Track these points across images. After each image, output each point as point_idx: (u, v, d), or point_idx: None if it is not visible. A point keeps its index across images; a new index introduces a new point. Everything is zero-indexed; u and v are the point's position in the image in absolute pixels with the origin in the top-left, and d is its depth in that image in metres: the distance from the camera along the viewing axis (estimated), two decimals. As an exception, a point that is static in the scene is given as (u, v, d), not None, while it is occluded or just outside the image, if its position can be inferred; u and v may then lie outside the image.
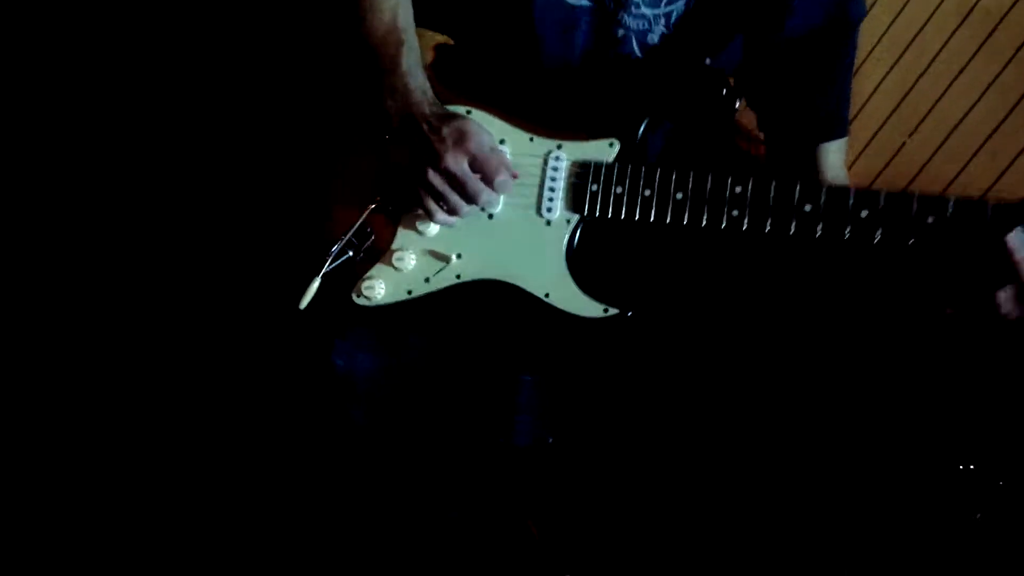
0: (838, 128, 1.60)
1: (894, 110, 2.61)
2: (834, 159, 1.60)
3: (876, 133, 2.63)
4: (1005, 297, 1.23)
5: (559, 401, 1.76)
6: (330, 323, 1.65)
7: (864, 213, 1.33)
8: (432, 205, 1.47)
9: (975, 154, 2.48)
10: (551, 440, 1.78)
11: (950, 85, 2.53)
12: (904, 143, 2.58)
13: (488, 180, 1.45)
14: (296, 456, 2.02)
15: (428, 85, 1.50)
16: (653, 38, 1.50)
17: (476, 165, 1.44)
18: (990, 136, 2.45)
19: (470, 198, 1.45)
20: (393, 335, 1.68)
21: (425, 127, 1.45)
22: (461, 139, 1.43)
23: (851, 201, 1.33)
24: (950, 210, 1.29)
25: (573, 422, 1.79)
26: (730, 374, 1.84)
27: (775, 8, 1.49)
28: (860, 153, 2.66)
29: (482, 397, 1.72)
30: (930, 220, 1.30)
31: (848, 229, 1.34)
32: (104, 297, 2.24)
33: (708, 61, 1.51)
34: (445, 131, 1.43)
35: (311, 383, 1.78)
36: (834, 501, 1.87)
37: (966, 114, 2.52)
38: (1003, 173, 2.41)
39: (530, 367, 1.71)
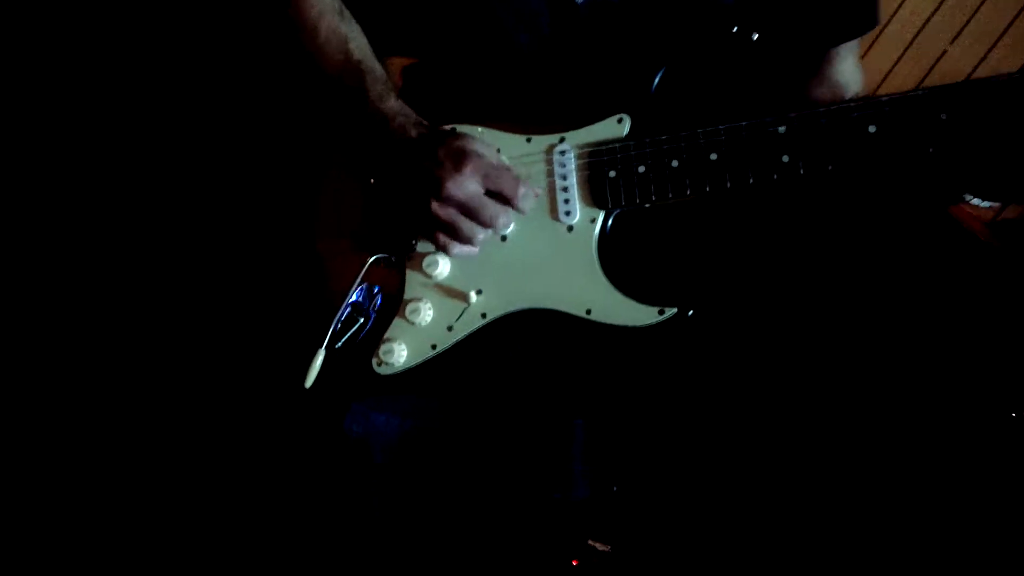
0: (867, 17, 1.34)
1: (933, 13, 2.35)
2: (851, 60, 1.37)
3: (913, 39, 2.37)
4: None
5: (619, 443, 1.49)
6: (347, 392, 1.43)
7: (944, 116, 1.07)
8: (444, 240, 1.27)
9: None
10: (616, 488, 1.50)
11: (960, 32, 2.28)
12: (945, 51, 2.31)
13: (507, 199, 1.24)
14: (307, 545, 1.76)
15: (406, 107, 1.32)
16: None
17: (489, 184, 1.24)
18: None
19: (487, 223, 1.25)
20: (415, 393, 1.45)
21: (416, 154, 1.26)
22: (462, 159, 1.23)
23: (922, 106, 1.08)
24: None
25: (638, 465, 1.51)
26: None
27: None
28: (896, 62, 2.39)
29: (528, 451, 1.46)
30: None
31: (931, 143, 1.08)
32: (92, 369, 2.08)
33: None
34: (441, 153, 1.24)
35: (322, 456, 1.53)
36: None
37: (1013, 20, 2.25)
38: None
39: (581, 408, 1.45)
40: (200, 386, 1.98)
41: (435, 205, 1.23)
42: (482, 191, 1.24)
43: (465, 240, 1.25)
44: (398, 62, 1.40)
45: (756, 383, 1.44)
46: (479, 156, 1.24)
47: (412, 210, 1.27)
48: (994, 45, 2.29)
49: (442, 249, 1.28)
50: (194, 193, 2.02)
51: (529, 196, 1.25)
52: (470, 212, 1.23)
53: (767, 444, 1.51)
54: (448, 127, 1.32)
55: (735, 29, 1.22)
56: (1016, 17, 2.27)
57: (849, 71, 1.36)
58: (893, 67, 2.44)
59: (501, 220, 1.24)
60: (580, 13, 1.29)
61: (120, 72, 2.04)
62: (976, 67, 2.32)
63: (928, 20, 2.40)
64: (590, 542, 1.71)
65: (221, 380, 1.95)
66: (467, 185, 1.23)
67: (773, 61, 1.31)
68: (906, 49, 2.42)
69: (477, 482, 1.51)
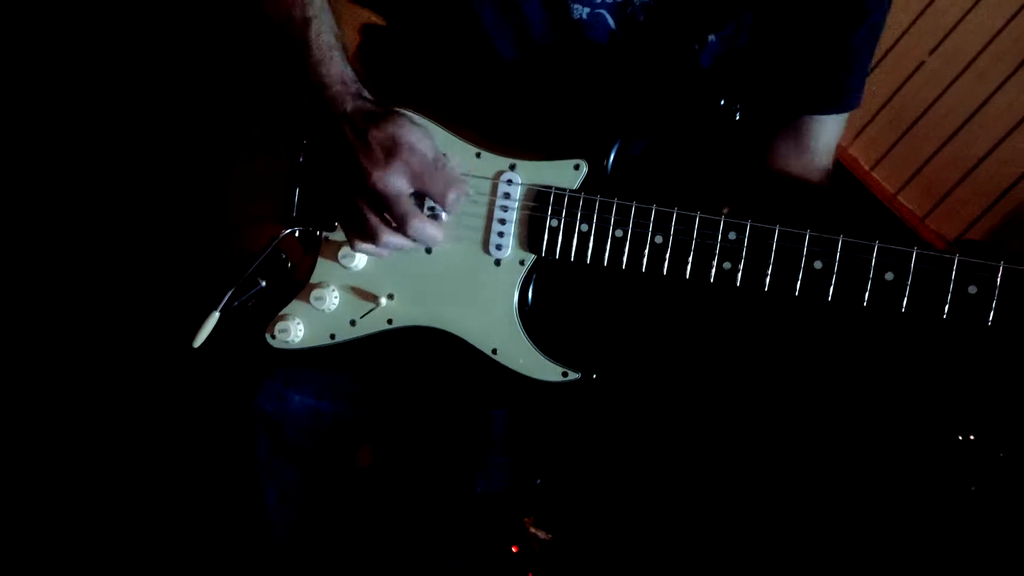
0: (845, 96, 1.28)
1: (910, 25, 2.30)
2: (829, 138, 1.31)
3: (889, 50, 2.32)
4: None
5: (542, 433, 1.46)
6: (251, 361, 1.37)
7: (889, 276, 1.05)
8: (354, 233, 1.18)
9: (1008, 78, 2.15)
10: (539, 481, 1.50)
11: (939, 45, 2.19)
12: (922, 63, 2.28)
13: (437, 196, 1.15)
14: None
15: (350, 72, 1.19)
16: (634, 11, 1.17)
17: (417, 183, 1.14)
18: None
19: (404, 228, 1.15)
20: (333, 371, 1.40)
21: (348, 131, 1.14)
22: (393, 149, 1.12)
23: (873, 260, 1.05)
24: (999, 279, 1.01)
25: (561, 456, 1.52)
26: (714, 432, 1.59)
27: None
28: (871, 70, 2.34)
29: (447, 442, 1.43)
30: (972, 291, 1.02)
31: (867, 294, 1.06)
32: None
33: (712, 39, 1.18)
34: (374, 137, 1.12)
35: (227, 437, 1.47)
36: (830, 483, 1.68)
37: (1001, 29, 2.17)
38: None
39: (500, 400, 1.40)
40: (99, 354, 1.86)
41: (355, 196, 1.13)
42: (409, 190, 1.14)
43: (376, 239, 1.15)
44: (354, 12, 1.25)
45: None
46: (412, 149, 1.12)
47: (332, 191, 1.18)
48: (974, 59, 2.24)
49: (350, 243, 1.20)
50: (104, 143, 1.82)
51: (459, 200, 1.16)
52: (389, 211, 1.13)
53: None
54: (396, 109, 1.22)
55: (722, 102, 1.14)
56: (999, 33, 2.20)
57: (824, 145, 1.30)
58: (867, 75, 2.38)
59: (422, 232, 1.15)
60: (573, 44, 1.17)
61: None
62: (953, 81, 2.29)
63: (907, 30, 2.33)
64: (532, 530, 1.74)
65: (125, 346, 1.83)
66: (393, 180, 1.12)
67: (749, 138, 1.24)
68: (882, 58, 2.36)
69: (394, 468, 1.50)
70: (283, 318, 1.28)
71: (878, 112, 2.37)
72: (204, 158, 1.33)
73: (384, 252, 1.20)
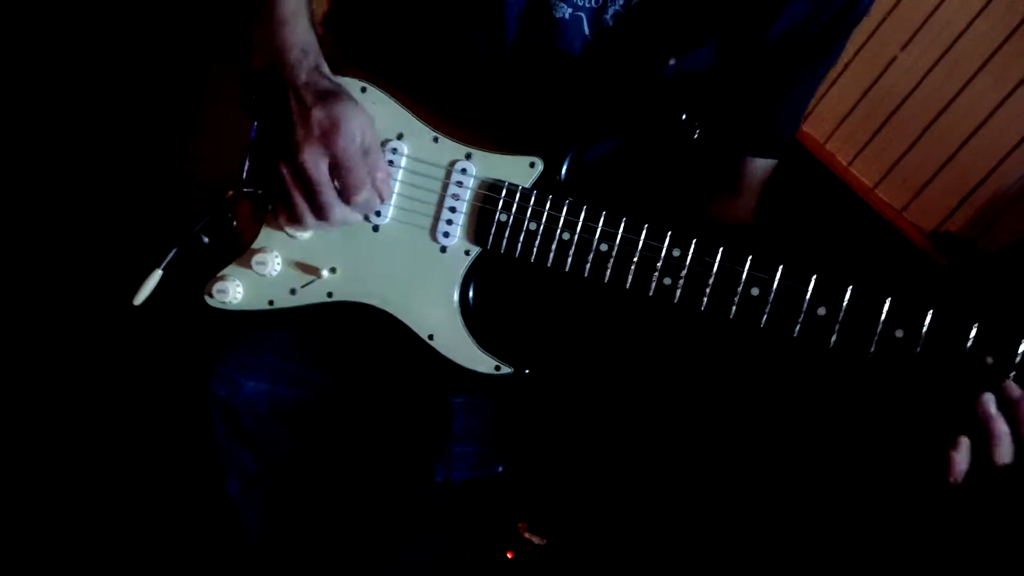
0: (779, 146, 1.32)
1: (883, 20, 2.31)
2: (759, 177, 1.34)
3: (863, 45, 2.33)
4: (958, 455, 1.00)
5: (504, 420, 1.45)
6: (205, 335, 1.34)
7: (822, 311, 1.07)
8: (279, 208, 1.18)
9: (977, 72, 2.19)
10: (501, 469, 1.50)
11: (911, 39, 2.21)
12: (895, 58, 2.30)
13: (347, 192, 1.14)
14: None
15: (313, 41, 1.17)
16: (606, 20, 1.17)
17: (338, 170, 1.13)
18: (997, 50, 2.16)
19: (318, 210, 1.15)
20: (287, 357, 1.38)
21: (293, 102, 1.13)
22: (329, 133, 1.11)
23: (808, 294, 1.07)
24: (926, 326, 1.04)
25: (526, 442, 1.51)
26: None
27: (767, 5, 1.16)
28: (842, 70, 2.36)
29: (405, 426, 1.41)
30: (899, 335, 1.05)
31: (798, 327, 1.08)
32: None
33: (672, 62, 1.18)
34: (315, 115, 1.11)
35: (183, 423, 1.42)
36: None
37: (970, 23, 2.19)
38: (1011, 93, 2.13)
39: (458, 387, 1.38)
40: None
41: (283, 167, 1.13)
42: (328, 174, 1.13)
43: (295, 218, 1.15)
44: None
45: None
46: (347, 137, 1.11)
47: (270, 155, 1.16)
48: (945, 53, 2.26)
49: (275, 215, 1.19)
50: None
51: (370, 204, 1.16)
52: (308, 189, 1.13)
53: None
54: (359, 85, 1.20)
55: (684, 117, 1.14)
56: (967, 27, 2.22)
57: (753, 193, 1.33)
58: (842, 71, 2.39)
59: (335, 213, 1.14)
60: (544, 47, 1.16)
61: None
62: (926, 75, 2.31)
63: (879, 26, 2.34)
64: (526, 535, 1.74)
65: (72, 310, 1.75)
66: (319, 161, 1.11)
67: (697, 158, 1.25)
68: (856, 53, 2.37)
69: (351, 456, 1.47)
70: (222, 278, 1.27)
71: (854, 108, 2.39)
72: (165, 113, 1.29)
73: (300, 230, 1.20)
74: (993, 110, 2.16)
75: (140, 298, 1.23)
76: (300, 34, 1.15)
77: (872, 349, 1.05)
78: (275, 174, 1.15)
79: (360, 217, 1.19)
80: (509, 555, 1.72)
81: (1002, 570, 1.62)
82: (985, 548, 1.63)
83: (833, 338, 1.07)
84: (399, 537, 1.43)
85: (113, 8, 1.71)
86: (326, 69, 1.17)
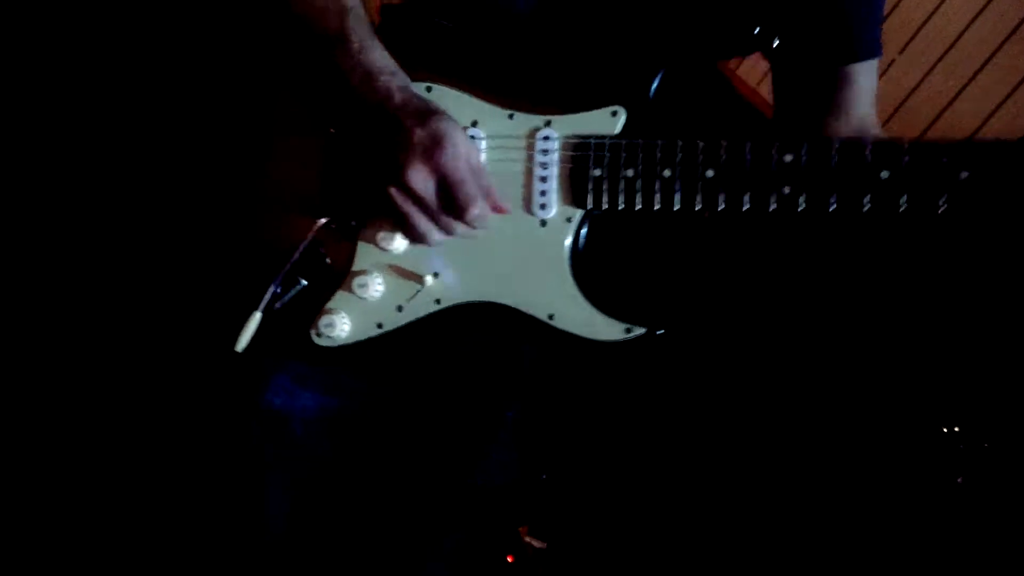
0: (869, 43, 1.24)
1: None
2: (866, 85, 1.25)
3: None
4: None
5: (549, 435, 1.42)
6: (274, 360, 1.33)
7: (964, 175, 0.98)
8: (394, 227, 1.16)
9: (975, 75, 2.20)
10: (545, 476, 1.43)
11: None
12: (893, 61, 2.29)
13: (459, 209, 1.10)
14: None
15: (392, 63, 1.16)
16: None
17: (447, 186, 1.10)
18: (993, 54, 2.17)
19: (439, 226, 1.12)
20: (348, 370, 1.34)
21: (392, 125, 1.11)
22: (434, 150, 1.08)
23: (945, 160, 0.98)
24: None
25: (568, 454, 1.46)
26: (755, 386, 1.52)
27: None
28: None
29: (450, 434, 1.37)
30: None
31: (944, 198, 0.99)
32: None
33: None
34: (417, 135, 1.09)
35: (236, 430, 1.42)
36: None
37: (966, 27, 2.21)
38: (1008, 97, 2.15)
39: (514, 400, 1.36)
40: (128, 347, 1.84)
41: (392, 190, 1.10)
42: (436, 190, 1.11)
43: (417, 237, 1.14)
44: (378, -3, 1.24)
45: (715, 403, 1.39)
46: (452, 153, 1.09)
47: (371, 180, 1.14)
48: (943, 56, 2.24)
49: (388, 237, 1.18)
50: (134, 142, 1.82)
51: (484, 217, 1.12)
52: (423, 207, 1.11)
53: (710, 458, 1.48)
54: (424, 85, 1.18)
55: (757, 31, 1.09)
56: (964, 30, 2.20)
57: (865, 104, 1.25)
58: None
59: (454, 228, 1.12)
60: None
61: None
62: (924, 77, 2.28)
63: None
64: (526, 539, 1.68)
65: (157, 341, 1.80)
66: (428, 179, 1.09)
67: (787, 74, 1.20)
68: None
69: (399, 465, 1.44)
70: (327, 312, 1.23)
71: None
72: (237, 156, 1.30)
73: (423, 244, 1.16)
74: (990, 113, 2.17)
75: (242, 343, 1.20)
76: (379, 59, 1.15)
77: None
78: (385, 197, 1.12)
79: (476, 231, 1.15)
80: (509, 559, 1.66)
81: (1002, 570, 1.54)
82: (985, 548, 1.55)
83: (985, 203, 0.98)
84: (433, 539, 1.39)
85: (180, 44, 1.77)
86: (415, 88, 1.16)
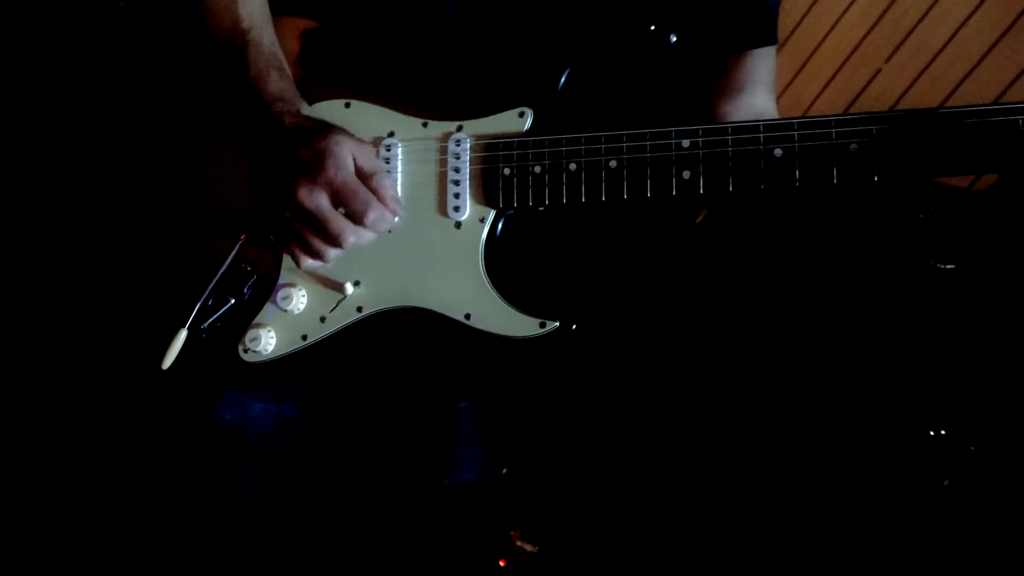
0: (762, 31, 1.29)
1: (869, 31, 2.32)
2: (760, 72, 1.29)
3: (847, 59, 2.35)
4: None
5: (508, 424, 1.40)
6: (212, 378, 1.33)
7: (854, 146, 1.00)
8: (295, 249, 1.18)
9: (961, 82, 2.19)
10: (505, 471, 1.42)
11: (934, 3, 2.22)
12: (880, 70, 2.29)
13: (355, 216, 1.13)
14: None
15: (288, 88, 1.21)
16: None
17: (338, 199, 1.12)
18: (979, 62, 2.17)
19: (333, 239, 1.13)
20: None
21: (282, 149, 1.15)
22: (318, 167, 1.11)
23: (833, 132, 1.00)
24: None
25: (530, 446, 1.44)
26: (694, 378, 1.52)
27: None
28: (828, 82, 2.37)
29: (412, 436, 1.37)
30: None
31: (835, 170, 1.01)
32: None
33: None
34: (303, 155, 1.13)
35: (191, 446, 1.41)
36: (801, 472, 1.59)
37: (952, 36, 2.22)
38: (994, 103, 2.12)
39: (465, 391, 1.36)
40: (60, 370, 1.84)
41: (288, 213, 1.14)
42: (331, 205, 1.13)
43: (314, 254, 1.15)
44: (291, 22, 1.29)
45: (635, 392, 1.38)
46: (337, 166, 1.11)
47: (273, 204, 1.18)
48: (929, 64, 2.28)
49: (294, 259, 1.18)
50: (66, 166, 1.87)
51: (383, 221, 1.14)
52: (316, 225, 1.13)
53: (652, 441, 1.45)
54: (343, 102, 1.22)
55: (652, 28, 1.13)
56: (951, 38, 2.25)
57: (760, 92, 1.29)
58: (828, 83, 2.43)
59: (350, 239, 1.13)
60: None
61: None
62: (910, 86, 2.31)
63: (864, 37, 2.38)
64: (518, 543, 1.66)
65: (83, 364, 1.81)
66: (316, 197, 1.11)
67: (686, 67, 1.23)
68: (842, 64, 2.40)
69: (361, 468, 1.43)
70: (253, 327, 1.23)
71: None
72: (174, 165, 1.33)
73: (320, 265, 1.18)
74: None
75: (168, 361, 1.21)
76: (275, 86, 1.20)
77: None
78: (283, 221, 1.15)
79: (374, 235, 1.17)
80: (502, 563, 1.61)
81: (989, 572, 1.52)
82: (972, 550, 1.53)
83: (875, 170, 0.99)
84: (406, 541, 1.37)
85: (121, 72, 1.82)
86: (306, 109, 1.21)
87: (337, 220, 1.13)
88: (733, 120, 1.25)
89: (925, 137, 0.96)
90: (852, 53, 2.39)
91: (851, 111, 2.39)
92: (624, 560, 1.59)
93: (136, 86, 1.79)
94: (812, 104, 2.45)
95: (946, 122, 0.96)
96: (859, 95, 2.39)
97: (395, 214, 1.16)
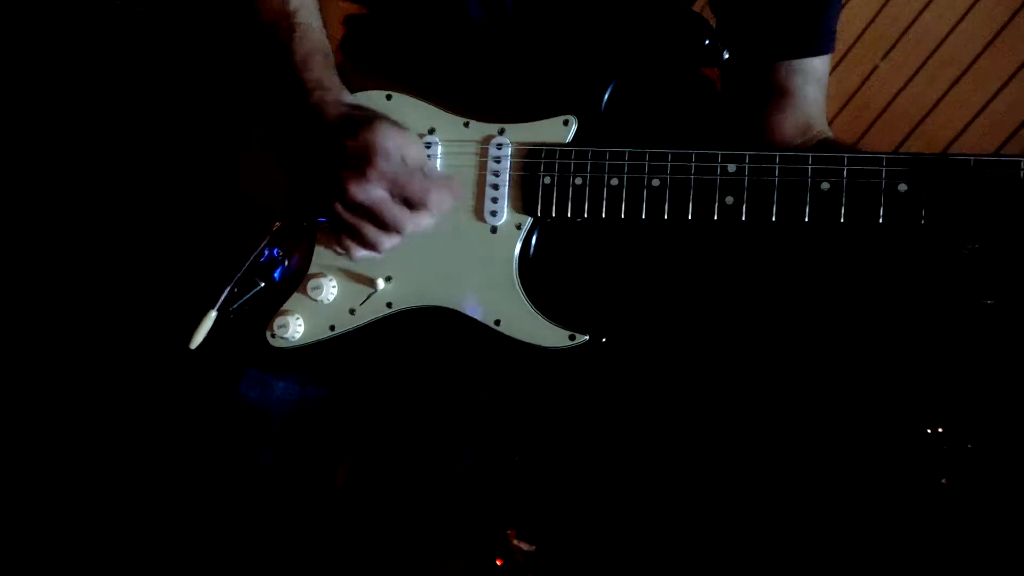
0: (817, 39, 1.25)
1: (866, 27, 2.32)
2: (812, 81, 1.26)
3: (845, 55, 2.35)
4: None
5: (522, 416, 1.42)
6: (237, 360, 1.34)
7: (903, 187, 0.99)
8: (348, 242, 1.17)
9: (958, 79, 2.20)
10: (517, 459, 1.44)
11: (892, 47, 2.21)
12: (876, 66, 2.31)
13: (415, 201, 1.12)
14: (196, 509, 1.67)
15: (332, 77, 1.19)
16: None
17: (395, 189, 1.11)
18: (976, 59, 2.18)
19: (391, 229, 1.13)
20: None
21: (325, 141, 1.14)
22: (368, 159, 1.10)
23: (884, 171, 0.99)
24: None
25: (541, 437, 1.46)
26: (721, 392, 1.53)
27: None
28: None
29: (430, 421, 1.39)
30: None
31: (882, 209, 0.99)
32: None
33: None
34: (350, 148, 1.11)
35: (215, 421, 1.43)
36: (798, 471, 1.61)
37: (949, 33, 2.21)
38: (991, 100, 2.15)
39: (485, 384, 1.37)
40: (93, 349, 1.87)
41: (339, 207, 1.13)
42: (388, 196, 1.12)
43: (369, 246, 1.15)
44: (337, 6, 1.27)
45: (667, 408, 1.39)
46: (387, 157, 1.10)
47: (319, 199, 1.17)
48: (925, 62, 2.25)
49: (346, 251, 1.18)
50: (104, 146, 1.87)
51: (445, 201, 1.13)
52: (373, 217, 1.12)
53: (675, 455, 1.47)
54: (385, 94, 1.21)
55: (707, 42, 1.11)
56: (947, 36, 2.22)
57: (812, 101, 1.26)
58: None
59: (408, 226, 1.13)
60: None
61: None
62: (907, 83, 2.29)
63: (861, 35, 2.35)
64: (515, 542, 1.68)
65: (116, 343, 1.83)
66: (370, 189, 1.10)
67: (737, 81, 1.21)
68: (839, 62, 2.38)
69: (380, 450, 1.45)
70: (282, 314, 1.24)
71: (836, 116, 2.40)
72: (207, 156, 1.33)
73: (378, 255, 1.18)
74: (973, 118, 2.19)
75: (196, 341, 1.22)
76: (318, 73, 1.18)
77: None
78: (334, 215, 1.15)
79: (433, 221, 1.15)
80: (498, 562, 1.64)
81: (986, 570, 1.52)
82: (969, 548, 1.53)
83: (923, 214, 0.98)
84: (420, 523, 1.41)
85: (160, 59, 1.82)
86: (348, 97, 1.19)
87: (393, 209, 1.12)
88: (780, 128, 1.23)
89: (979, 186, 0.95)
90: (849, 50, 2.37)
91: (847, 110, 2.40)
92: (622, 559, 1.61)
93: (165, 76, 1.78)
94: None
95: (1003, 171, 0.95)
96: (856, 91, 2.37)
97: (456, 194, 1.15)
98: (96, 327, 1.85)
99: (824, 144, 1.22)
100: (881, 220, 0.99)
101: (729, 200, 1.05)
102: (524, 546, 1.70)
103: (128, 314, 1.80)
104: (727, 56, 1.11)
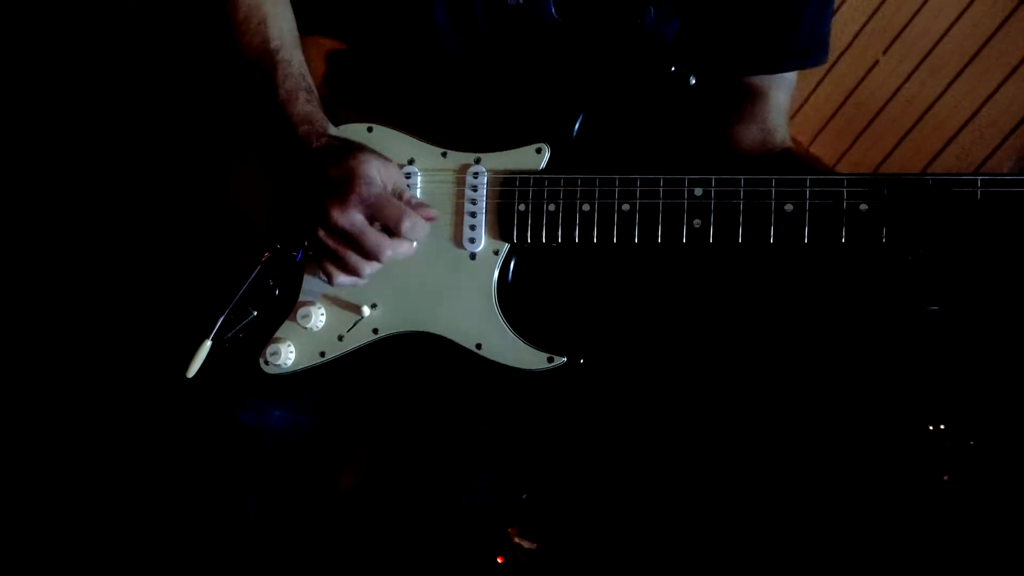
0: (790, 55, 1.27)
1: (865, 24, 2.34)
2: (778, 97, 1.29)
3: (844, 50, 2.37)
4: None
5: (526, 450, 1.44)
6: (233, 388, 1.38)
7: (864, 207, 1.01)
8: (330, 268, 1.21)
9: (958, 75, 2.21)
10: (524, 496, 1.46)
11: (893, 42, 2.22)
12: (877, 62, 2.33)
13: (391, 226, 1.16)
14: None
15: (315, 111, 1.24)
16: None
17: (373, 214, 1.15)
18: (976, 54, 2.18)
19: (370, 255, 1.17)
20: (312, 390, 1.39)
21: (310, 170, 1.18)
22: (348, 185, 1.14)
23: (845, 192, 1.01)
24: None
25: (547, 472, 1.48)
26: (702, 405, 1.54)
27: None
28: (826, 73, 2.38)
29: (431, 457, 1.41)
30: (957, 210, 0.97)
31: (844, 229, 1.01)
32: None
33: (651, 10, 1.18)
34: (332, 175, 1.16)
35: (210, 447, 1.47)
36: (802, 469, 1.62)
37: (949, 28, 2.22)
38: (990, 96, 2.15)
39: (484, 416, 1.39)
40: (86, 376, 1.92)
41: (321, 232, 1.17)
42: (367, 221, 1.16)
43: (350, 271, 1.18)
44: (318, 43, 1.31)
45: (657, 413, 1.41)
46: (368, 183, 1.15)
47: (303, 227, 1.21)
48: (926, 56, 2.25)
49: (328, 277, 1.21)
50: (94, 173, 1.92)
51: (418, 227, 1.17)
52: (352, 242, 1.16)
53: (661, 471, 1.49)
54: (365, 127, 1.25)
55: (672, 69, 1.14)
56: (948, 30, 2.22)
57: (778, 107, 1.29)
58: (826, 74, 2.42)
59: (387, 252, 1.16)
60: (512, 19, 1.20)
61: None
62: (908, 77, 2.29)
63: (862, 28, 2.35)
64: (516, 540, 1.71)
65: (110, 370, 1.88)
66: (351, 215, 1.14)
67: (705, 106, 1.23)
68: (840, 56, 2.38)
69: (378, 484, 1.48)
70: (274, 341, 1.28)
71: (837, 110, 2.39)
72: (194, 184, 1.37)
73: (360, 281, 1.21)
74: (975, 112, 2.19)
75: (192, 370, 1.26)
76: (303, 108, 1.22)
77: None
78: (316, 241, 1.19)
79: (411, 247, 1.20)
80: (499, 560, 1.66)
81: (988, 567, 1.55)
82: (971, 544, 1.56)
83: (884, 231, 1.00)
84: (423, 558, 1.41)
85: (149, 84, 1.86)
86: (332, 130, 1.23)
87: (372, 234, 1.16)
88: (742, 140, 1.26)
89: (939, 204, 0.97)
90: (850, 44, 2.37)
91: (845, 110, 2.40)
92: (621, 559, 1.64)
93: (157, 90, 1.83)
94: (809, 97, 2.44)
95: (961, 189, 0.96)
96: (856, 86, 2.37)
97: (430, 219, 1.19)
98: (92, 356, 1.90)
99: (786, 156, 1.24)
100: (844, 239, 1.01)
101: (697, 223, 1.07)
102: (525, 544, 1.73)
103: (122, 341, 1.85)
104: (693, 82, 1.14)
